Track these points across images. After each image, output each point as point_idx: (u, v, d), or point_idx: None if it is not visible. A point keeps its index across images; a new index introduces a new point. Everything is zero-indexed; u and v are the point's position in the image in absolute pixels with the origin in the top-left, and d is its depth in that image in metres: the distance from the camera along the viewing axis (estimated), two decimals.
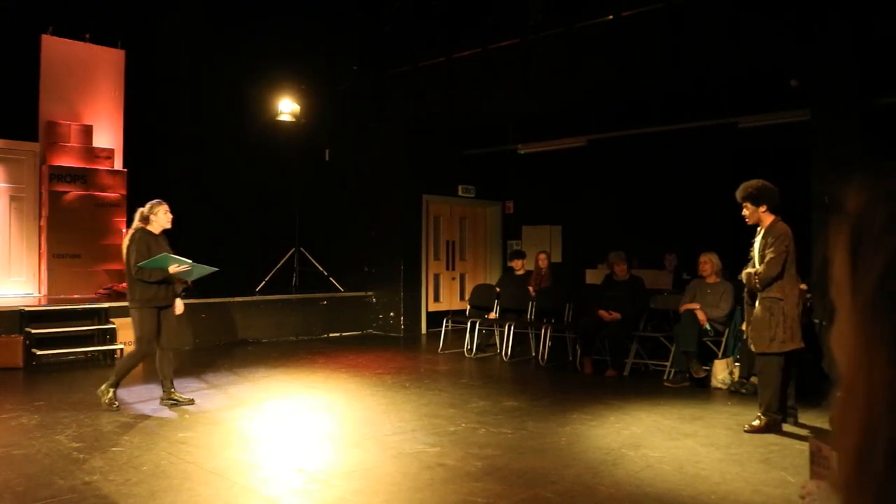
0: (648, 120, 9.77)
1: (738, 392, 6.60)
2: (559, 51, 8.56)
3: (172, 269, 5.59)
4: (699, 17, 7.49)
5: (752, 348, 5.28)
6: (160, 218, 5.78)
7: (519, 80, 8.96)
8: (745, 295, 5.46)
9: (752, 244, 5.37)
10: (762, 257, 5.16)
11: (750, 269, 5.26)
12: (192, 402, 5.91)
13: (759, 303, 5.17)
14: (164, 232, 5.88)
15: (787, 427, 5.30)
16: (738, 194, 5.24)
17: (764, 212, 5.18)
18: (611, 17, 8.03)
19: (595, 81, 8.53)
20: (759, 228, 5.29)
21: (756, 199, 5.18)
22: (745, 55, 7.33)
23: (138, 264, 5.56)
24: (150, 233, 5.75)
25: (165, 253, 5.64)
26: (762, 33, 7.16)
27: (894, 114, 7.28)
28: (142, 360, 5.86)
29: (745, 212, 5.24)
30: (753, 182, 5.21)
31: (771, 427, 5.18)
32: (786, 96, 8.18)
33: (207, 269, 5.79)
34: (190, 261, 5.66)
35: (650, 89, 8.93)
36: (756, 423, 5.22)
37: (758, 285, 5.15)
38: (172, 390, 5.91)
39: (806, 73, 7.42)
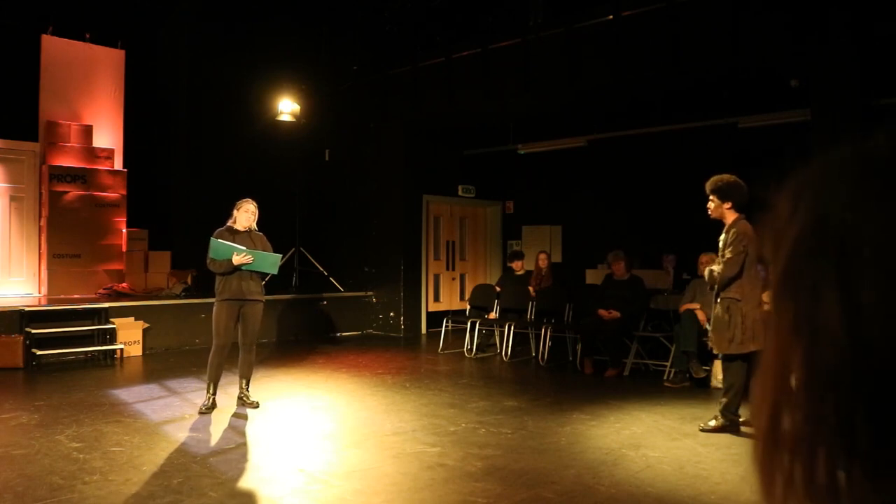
0: (648, 120, 9.77)
1: None
2: (559, 51, 8.57)
3: (236, 259, 5.51)
4: (699, 17, 7.49)
5: (714, 350, 5.25)
6: (238, 214, 5.80)
7: (519, 80, 8.96)
8: (710, 292, 5.43)
9: (719, 241, 5.32)
10: (722, 256, 5.12)
11: (712, 267, 5.22)
12: (256, 405, 5.85)
13: (719, 303, 5.12)
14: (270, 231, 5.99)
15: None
16: (707, 186, 5.19)
17: (728, 208, 5.12)
18: (611, 17, 8.03)
19: (595, 81, 8.52)
20: (724, 226, 5.27)
21: (723, 195, 5.11)
22: (745, 55, 7.33)
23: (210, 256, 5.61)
24: (232, 228, 5.77)
25: (219, 240, 5.57)
26: (762, 33, 7.16)
27: (894, 114, 7.28)
28: (217, 355, 5.72)
29: (710, 205, 5.19)
30: (724, 176, 5.15)
31: (727, 428, 5.15)
32: (786, 96, 8.18)
33: (272, 257, 5.69)
34: (244, 248, 5.57)
35: (650, 89, 8.92)
36: (713, 423, 5.20)
37: (715, 284, 5.11)
38: (244, 389, 5.90)
39: (806, 73, 7.42)
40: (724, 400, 5.22)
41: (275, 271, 5.87)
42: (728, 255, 5.02)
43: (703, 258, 7.40)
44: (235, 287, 5.66)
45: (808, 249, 0.49)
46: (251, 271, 5.70)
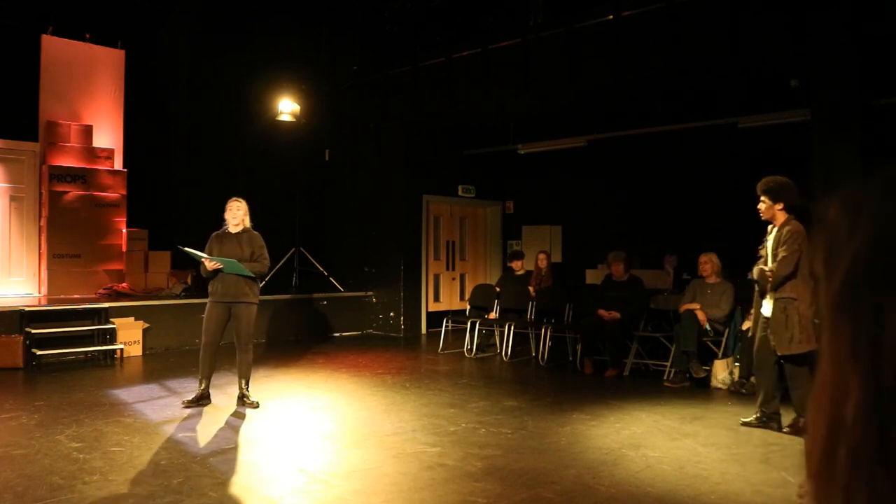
0: (648, 120, 9.77)
1: (738, 392, 6.60)
2: (559, 51, 8.57)
3: (209, 266, 5.64)
4: (699, 17, 7.49)
5: (777, 351, 5.18)
6: (226, 215, 5.87)
7: (519, 80, 8.96)
8: (755, 292, 5.40)
9: (763, 242, 5.30)
10: (775, 256, 5.10)
11: (763, 266, 5.19)
12: (256, 405, 5.84)
13: (775, 304, 5.09)
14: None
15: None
16: (759, 186, 5.17)
17: (780, 209, 5.11)
18: (611, 17, 8.03)
19: (595, 81, 8.52)
20: (770, 226, 5.24)
21: (775, 195, 5.10)
22: (745, 55, 7.33)
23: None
24: (224, 231, 5.85)
25: (185, 249, 5.73)
26: (762, 33, 7.16)
27: (894, 114, 7.28)
28: (204, 351, 5.86)
29: (761, 206, 5.17)
30: (777, 178, 5.14)
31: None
32: (786, 96, 8.18)
33: (234, 263, 5.67)
34: (205, 254, 5.71)
35: (650, 89, 8.92)
36: (802, 421, 5.10)
37: (769, 284, 5.09)
38: (244, 389, 5.93)
39: (806, 73, 7.42)
40: (795, 403, 5.17)
41: (247, 273, 5.73)
42: (783, 253, 5.01)
43: (703, 258, 7.41)
44: (221, 289, 5.75)
45: (867, 269, 0.48)
46: (247, 275, 5.73)
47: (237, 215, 5.84)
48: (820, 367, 0.51)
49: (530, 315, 8.96)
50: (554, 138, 10.77)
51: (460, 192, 12.01)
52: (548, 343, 8.34)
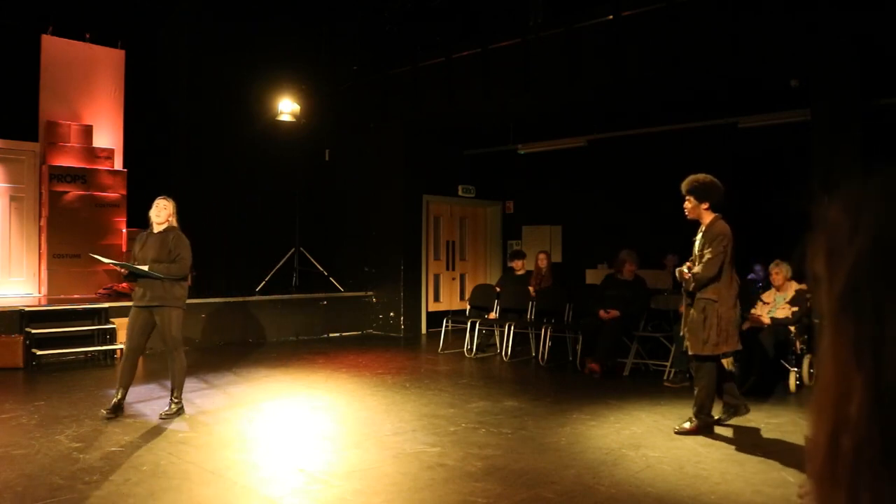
0: (648, 120, 9.76)
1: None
2: (559, 51, 8.57)
3: (120, 270, 5.84)
4: (699, 17, 7.49)
5: (689, 350, 5.22)
6: (150, 214, 5.67)
7: (519, 80, 8.96)
8: (682, 294, 5.39)
9: (693, 241, 5.25)
10: (701, 256, 5.06)
11: (682, 268, 5.17)
12: (170, 415, 5.46)
13: (695, 304, 5.07)
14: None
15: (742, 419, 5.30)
16: (683, 186, 5.13)
17: (706, 209, 5.09)
18: (611, 17, 8.03)
19: (595, 81, 8.52)
20: (700, 226, 5.20)
21: (700, 195, 5.07)
22: (745, 55, 7.33)
23: None
24: (149, 231, 5.64)
25: (95, 255, 6.08)
26: (762, 33, 7.16)
27: (894, 114, 7.28)
28: (125, 359, 5.56)
29: (687, 205, 5.13)
30: (701, 176, 5.10)
31: (702, 429, 5.12)
32: (786, 96, 8.18)
33: (142, 270, 5.50)
34: (107, 259, 5.97)
35: (650, 89, 8.92)
36: (687, 425, 5.16)
37: (692, 285, 5.05)
38: (171, 397, 5.61)
39: (806, 73, 7.42)
40: (695, 401, 5.18)
41: (157, 276, 5.47)
42: (708, 255, 4.98)
43: None
44: (139, 293, 5.53)
45: (870, 270, 0.48)
46: (156, 277, 5.45)
47: (161, 214, 5.59)
48: (822, 367, 0.51)
49: (530, 315, 8.96)
50: (554, 138, 10.77)
51: (460, 192, 12.02)
52: (548, 343, 8.34)
